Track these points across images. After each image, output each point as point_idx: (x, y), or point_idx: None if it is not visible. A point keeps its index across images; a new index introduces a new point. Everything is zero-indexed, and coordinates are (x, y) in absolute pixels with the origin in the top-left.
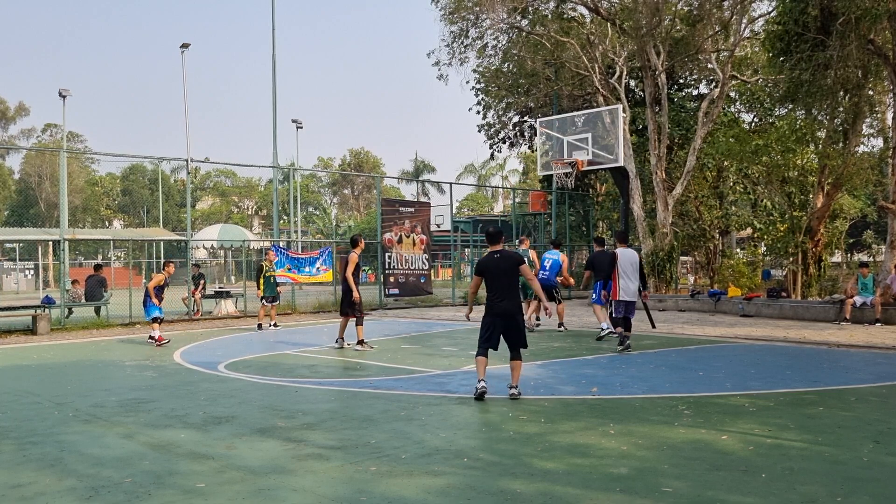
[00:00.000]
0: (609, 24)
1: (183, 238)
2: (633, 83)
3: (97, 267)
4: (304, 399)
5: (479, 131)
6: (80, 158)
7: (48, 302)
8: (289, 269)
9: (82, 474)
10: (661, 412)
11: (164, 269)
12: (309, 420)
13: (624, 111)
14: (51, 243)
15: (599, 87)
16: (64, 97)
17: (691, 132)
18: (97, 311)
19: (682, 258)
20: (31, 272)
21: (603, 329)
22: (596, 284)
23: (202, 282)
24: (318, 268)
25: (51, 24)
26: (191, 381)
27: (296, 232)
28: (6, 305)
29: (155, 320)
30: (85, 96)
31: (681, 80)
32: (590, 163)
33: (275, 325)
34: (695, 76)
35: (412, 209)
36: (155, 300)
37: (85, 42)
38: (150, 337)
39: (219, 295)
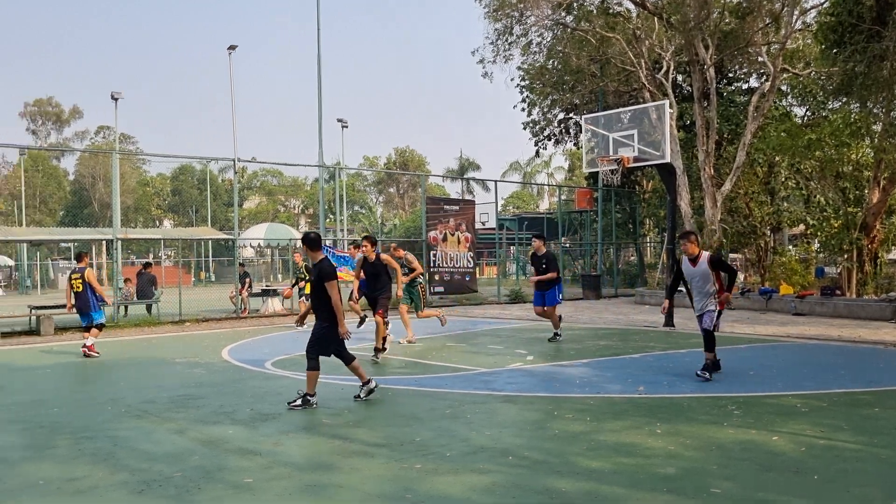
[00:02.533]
0: (656, 19)
1: (230, 237)
2: (680, 78)
3: (146, 265)
4: (350, 396)
5: (524, 129)
6: (131, 159)
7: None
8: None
9: (134, 468)
10: (709, 412)
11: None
12: (354, 417)
13: (671, 107)
14: (104, 243)
15: (646, 83)
16: (116, 100)
17: (741, 127)
18: (148, 308)
19: (732, 255)
20: None
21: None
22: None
23: (248, 280)
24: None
25: (104, 29)
26: (238, 378)
27: (342, 230)
28: (63, 304)
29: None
30: (136, 99)
31: (730, 74)
32: (636, 160)
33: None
34: (745, 70)
35: (457, 207)
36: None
37: (136, 45)
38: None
39: (266, 293)
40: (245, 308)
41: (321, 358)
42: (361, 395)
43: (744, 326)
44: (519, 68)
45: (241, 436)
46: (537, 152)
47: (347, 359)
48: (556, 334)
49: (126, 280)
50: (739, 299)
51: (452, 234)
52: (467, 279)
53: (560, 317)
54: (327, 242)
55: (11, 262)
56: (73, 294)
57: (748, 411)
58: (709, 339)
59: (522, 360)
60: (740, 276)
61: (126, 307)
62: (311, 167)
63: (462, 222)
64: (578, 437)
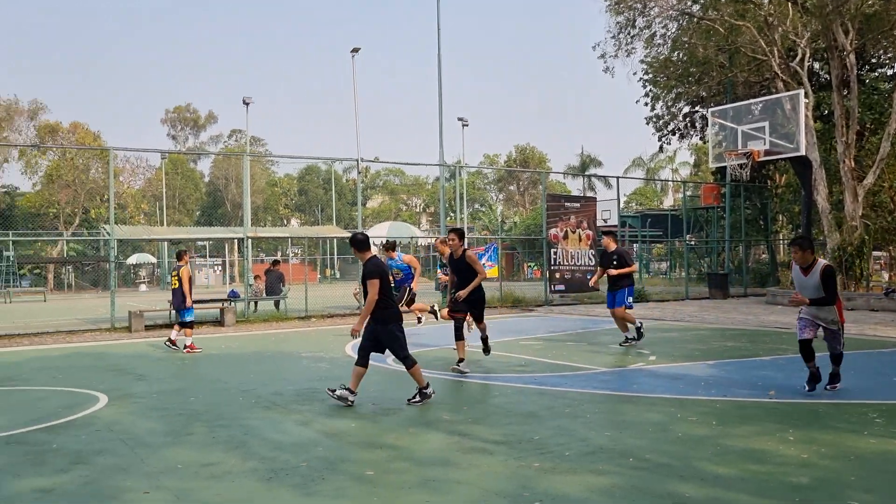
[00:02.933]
0: (790, 4)
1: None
2: (816, 66)
3: (275, 262)
4: (470, 393)
5: (647, 123)
6: (261, 161)
7: (233, 296)
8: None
9: (263, 457)
10: (848, 419)
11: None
12: (474, 414)
13: (806, 96)
14: (236, 241)
15: (779, 72)
16: (247, 104)
17: (885, 116)
18: (276, 304)
19: (875, 253)
20: (219, 268)
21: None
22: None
23: None
24: (483, 263)
25: (235, 39)
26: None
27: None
28: (198, 299)
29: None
30: (266, 103)
31: (872, 60)
32: (767, 153)
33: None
34: (889, 55)
35: (578, 204)
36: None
37: (265, 52)
38: (175, 343)
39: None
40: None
41: (411, 354)
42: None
43: (887, 329)
44: (642, 62)
45: (363, 429)
46: (661, 147)
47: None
48: (626, 338)
49: (256, 277)
50: (884, 300)
51: (573, 232)
52: (589, 277)
53: (640, 324)
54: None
55: (154, 260)
56: (172, 291)
57: (892, 420)
58: (835, 358)
59: (644, 360)
60: (883, 276)
61: (255, 303)
62: (432, 166)
63: (583, 219)
64: (703, 441)
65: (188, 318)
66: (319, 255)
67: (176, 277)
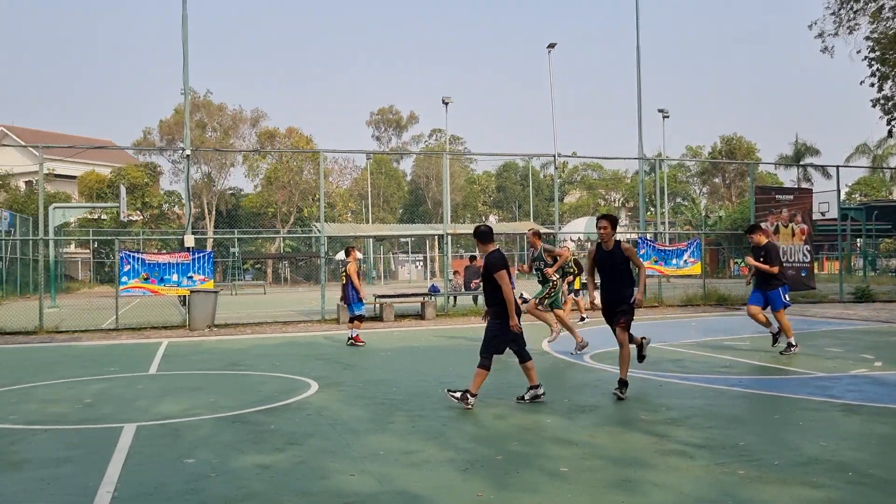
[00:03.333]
0: None
1: (551, 231)
2: None
3: (472, 258)
4: (668, 393)
5: (874, 106)
6: (460, 159)
7: (434, 290)
8: (655, 262)
9: (460, 448)
10: None
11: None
12: (673, 415)
13: None
14: (436, 237)
15: None
16: (446, 104)
17: None
18: (475, 299)
19: None
20: (421, 263)
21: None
22: None
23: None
24: (685, 260)
25: (436, 40)
26: (557, 369)
27: (663, 223)
28: (401, 293)
29: (360, 318)
30: (464, 102)
31: None
32: None
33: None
34: None
35: (791, 196)
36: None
37: (463, 52)
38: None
39: (585, 287)
40: (566, 301)
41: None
42: (526, 398)
43: None
44: (867, 38)
45: (558, 425)
46: (890, 132)
47: (523, 357)
48: (789, 345)
49: (455, 272)
50: None
51: (786, 226)
52: (803, 274)
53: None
54: (648, 236)
55: (360, 256)
56: (341, 286)
57: None
58: None
59: (868, 365)
60: None
61: (455, 297)
62: (630, 160)
63: (797, 212)
64: None
65: (357, 312)
66: (517, 251)
67: (343, 273)
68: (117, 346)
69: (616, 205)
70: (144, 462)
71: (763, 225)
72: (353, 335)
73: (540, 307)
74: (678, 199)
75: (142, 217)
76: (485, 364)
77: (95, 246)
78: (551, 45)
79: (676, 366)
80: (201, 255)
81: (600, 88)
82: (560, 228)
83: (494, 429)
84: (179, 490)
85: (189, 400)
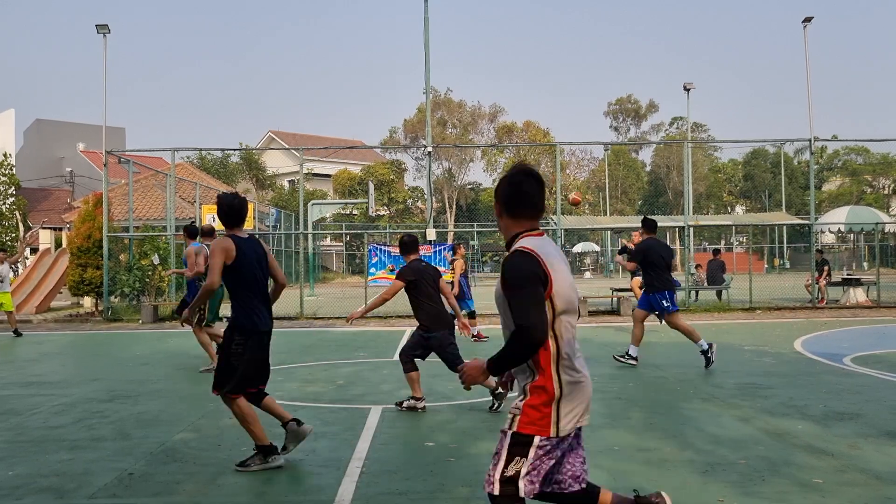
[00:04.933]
0: None
1: (806, 222)
2: None
3: (716, 251)
4: None
5: None
6: (703, 148)
7: (674, 285)
8: None
9: (699, 449)
10: None
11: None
12: None
13: None
14: (676, 229)
15: None
16: (688, 90)
17: None
18: (718, 294)
19: None
20: None
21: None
22: None
23: (826, 268)
24: None
25: (675, 27)
26: (811, 371)
27: None
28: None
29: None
30: (708, 87)
31: None
32: None
33: None
34: None
35: None
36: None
37: (706, 35)
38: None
39: (847, 282)
40: (822, 298)
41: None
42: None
43: None
44: None
45: (810, 432)
46: None
47: (416, 361)
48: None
49: (697, 266)
50: None
51: None
52: None
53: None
54: None
55: (598, 248)
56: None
57: None
58: None
59: None
60: None
61: (696, 292)
62: None
63: None
64: None
65: (471, 309)
66: (766, 244)
67: (451, 271)
68: (365, 332)
69: (886, 192)
70: (389, 442)
71: None
72: (475, 332)
73: None
74: None
75: (388, 212)
76: (406, 368)
77: (347, 239)
78: (807, 20)
79: None
80: (442, 247)
81: (866, 63)
82: (816, 219)
83: (738, 431)
84: (420, 471)
85: (430, 386)
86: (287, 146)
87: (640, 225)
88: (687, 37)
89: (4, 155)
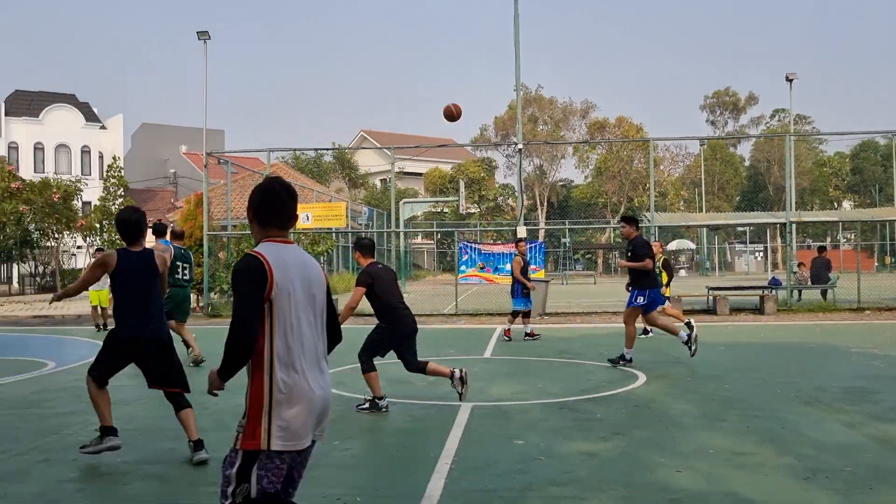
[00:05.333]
0: None
1: None
2: None
3: (821, 249)
4: None
5: None
6: (807, 140)
7: (775, 283)
8: None
9: (800, 454)
10: None
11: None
12: None
13: None
14: (777, 226)
15: None
16: (790, 81)
17: None
18: (823, 293)
19: None
20: (760, 254)
21: None
22: None
23: None
24: None
25: (774, 14)
26: None
27: None
28: (737, 285)
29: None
30: (812, 78)
31: None
32: None
33: None
34: None
35: None
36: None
37: (809, 24)
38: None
39: None
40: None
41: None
42: (366, 406)
43: None
44: None
45: None
46: None
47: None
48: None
49: (800, 264)
50: None
51: None
52: None
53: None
54: None
55: (693, 246)
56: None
57: None
58: None
59: None
60: None
61: (800, 291)
62: None
63: None
64: None
65: (516, 308)
66: (877, 241)
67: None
68: (456, 329)
69: None
70: (478, 440)
71: None
72: (506, 329)
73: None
74: None
75: (479, 209)
76: (366, 368)
77: (438, 237)
78: None
79: None
80: (533, 245)
81: None
82: None
83: (843, 437)
84: (509, 469)
85: (519, 384)
86: (379, 145)
87: (731, 222)
88: (788, 25)
89: (114, 158)
